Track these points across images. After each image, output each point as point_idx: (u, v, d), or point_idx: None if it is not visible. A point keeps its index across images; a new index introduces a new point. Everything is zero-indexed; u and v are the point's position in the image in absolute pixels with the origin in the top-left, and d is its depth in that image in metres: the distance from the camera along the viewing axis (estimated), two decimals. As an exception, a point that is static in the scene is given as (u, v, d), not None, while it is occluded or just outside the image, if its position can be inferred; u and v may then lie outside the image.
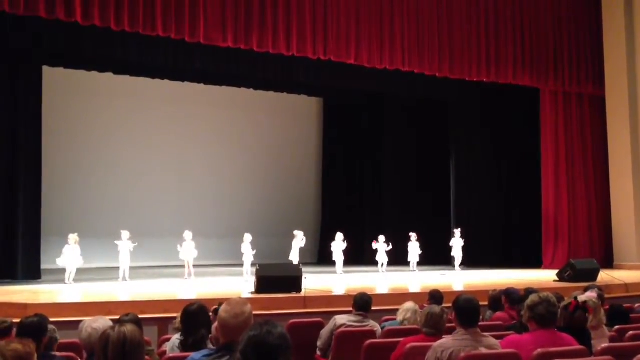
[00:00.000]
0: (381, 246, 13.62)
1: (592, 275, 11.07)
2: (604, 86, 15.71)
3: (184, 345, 4.25)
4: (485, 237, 15.74)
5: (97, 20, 10.65)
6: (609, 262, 14.87)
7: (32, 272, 11.23)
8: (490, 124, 16.30)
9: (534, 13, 15.12)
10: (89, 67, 13.38)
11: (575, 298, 4.68)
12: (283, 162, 17.93)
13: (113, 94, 15.59)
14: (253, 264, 11.12)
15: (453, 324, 4.20)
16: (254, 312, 3.02)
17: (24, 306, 7.36)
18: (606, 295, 7.43)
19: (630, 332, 4.95)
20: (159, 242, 14.46)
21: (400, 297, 8.28)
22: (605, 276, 11.34)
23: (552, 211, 15.38)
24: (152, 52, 12.29)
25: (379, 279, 12.35)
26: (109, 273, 11.80)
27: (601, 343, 4.58)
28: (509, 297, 6.47)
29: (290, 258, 12.35)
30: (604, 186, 15.73)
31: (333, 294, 9.38)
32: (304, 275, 8.87)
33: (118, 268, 11.12)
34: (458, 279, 12.17)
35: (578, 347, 4.07)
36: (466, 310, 4.08)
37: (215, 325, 3.61)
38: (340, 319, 5.77)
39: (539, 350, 3.85)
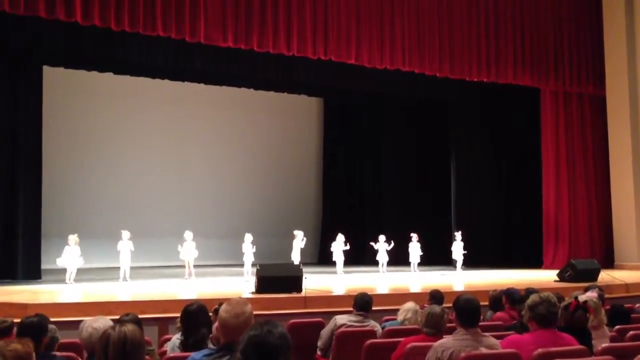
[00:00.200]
0: (382, 245, 13.62)
1: (592, 276, 11.06)
2: (605, 86, 15.71)
3: (185, 345, 4.25)
4: (486, 237, 15.73)
5: (97, 20, 10.65)
6: (609, 262, 14.86)
7: (32, 272, 11.23)
8: (490, 124, 16.30)
9: (534, 13, 15.12)
10: (89, 67, 13.39)
11: (576, 298, 4.68)
12: (283, 162, 17.93)
13: (113, 94, 15.60)
14: (253, 264, 11.13)
15: (453, 324, 4.19)
16: (255, 312, 3.02)
17: (24, 306, 7.36)
18: (607, 296, 7.44)
19: (631, 332, 4.94)
20: (159, 242, 14.47)
21: (401, 297, 8.28)
22: (605, 276, 11.33)
23: (553, 211, 15.38)
24: (152, 52, 12.29)
25: (380, 279, 12.35)
26: (110, 273, 11.80)
27: (602, 343, 4.58)
28: (510, 297, 6.46)
29: (292, 258, 12.36)
30: (604, 186, 15.72)
31: (333, 294, 9.38)
32: (304, 275, 8.87)
33: (118, 268, 11.12)
34: (458, 279, 12.18)
35: (578, 347, 4.07)
36: (466, 310, 4.08)
37: (215, 325, 3.61)
38: (341, 319, 5.76)
39: (540, 350, 3.85)
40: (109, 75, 13.99)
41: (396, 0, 13.42)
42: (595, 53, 15.78)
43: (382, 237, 13.73)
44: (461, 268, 14.01)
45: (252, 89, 15.52)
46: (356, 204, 17.97)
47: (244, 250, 11.86)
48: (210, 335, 4.17)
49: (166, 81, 14.52)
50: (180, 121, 16.55)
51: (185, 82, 14.92)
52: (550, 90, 15.51)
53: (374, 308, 5.97)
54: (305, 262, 12.48)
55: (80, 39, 11.56)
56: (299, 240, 12.57)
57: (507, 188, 16.53)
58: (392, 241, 13.61)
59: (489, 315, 6.66)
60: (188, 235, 11.78)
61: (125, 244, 11.13)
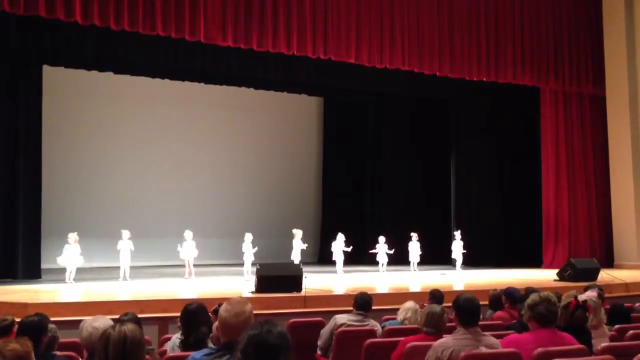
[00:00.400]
0: (381, 247, 13.61)
1: (592, 275, 11.06)
2: (605, 86, 15.71)
3: (185, 345, 4.26)
4: (486, 236, 15.73)
5: (96, 20, 10.65)
6: (609, 262, 14.87)
7: (33, 272, 11.24)
8: (490, 124, 16.29)
9: (534, 12, 15.12)
10: (89, 66, 13.37)
11: (575, 297, 4.68)
12: (283, 161, 17.93)
13: (113, 94, 15.60)
14: (253, 264, 11.13)
15: (453, 323, 4.19)
16: (255, 312, 3.03)
17: (25, 305, 7.37)
18: (606, 295, 7.45)
19: (631, 332, 4.95)
20: (159, 241, 14.47)
21: (401, 296, 8.29)
22: (605, 275, 11.33)
23: (553, 210, 15.38)
24: (152, 52, 12.29)
25: (379, 279, 12.36)
26: (110, 272, 11.81)
27: (601, 342, 4.58)
28: (510, 297, 6.47)
29: (292, 257, 12.37)
30: (604, 185, 15.73)
31: (333, 293, 9.38)
32: (304, 275, 8.87)
33: (118, 267, 11.13)
34: (458, 279, 12.18)
35: (578, 346, 4.07)
36: (466, 309, 4.08)
37: (215, 324, 3.61)
38: (341, 319, 5.77)
39: (540, 349, 3.85)
40: (108, 75, 13.98)
41: (396, 0, 13.43)
42: (595, 52, 15.78)
43: (381, 239, 13.72)
44: (460, 267, 14.02)
45: (252, 89, 15.50)
46: (356, 203, 17.96)
47: (244, 250, 11.85)
48: (210, 335, 4.17)
49: (166, 80, 14.51)
50: (180, 120, 16.55)
51: (185, 82, 14.91)
52: (550, 90, 15.51)
53: (373, 307, 5.97)
54: (305, 262, 12.48)
55: (80, 38, 11.58)
56: (299, 239, 12.57)
57: (507, 187, 16.53)
58: (393, 248, 13.59)
59: (488, 315, 6.67)
60: (188, 234, 11.78)
61: (125, 244, 11.14)
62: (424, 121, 17.18)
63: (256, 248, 11.86)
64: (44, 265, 11.59)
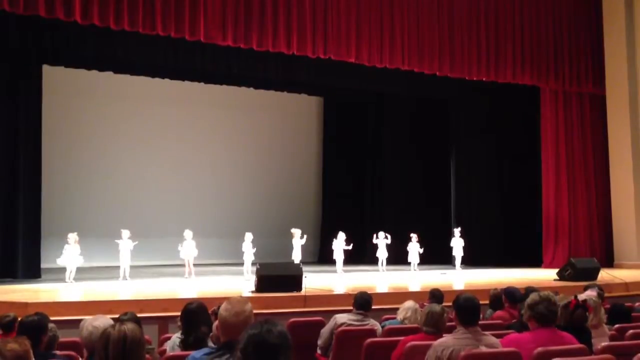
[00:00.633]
0: (381, 241, 13.63)
1: (592, 274, 11.06)
2: (605, 85, 15.71)
3: (185, 344, 4.25)
4: (486, 236, 15.73)
5: (96, 19, 10.65)
6: (609, 261, 14.88)
7: (32, 272, 11.25)
8: (490, 123, 16.29)
9: (534, 11, 15.12)
10: (89, 66, 13.37)
11: (575, 297, 4.68)
12: (283, 160, 17.93)
13: (113, 93, 15.60)
14: (253, 263, 11.14)
15: (453, 323, 4.19)
16: (255, 311, 3.03)
17: (25, 305, 7.37)
18: (606, 294, 7.45)
19: (631, 331, 4.95)
20: (159, 241, 14.47)
21: (401, 296, 8.29)
22: (605, 275, 11.34)
23: (553, 210, 15.38)
24: (151, 51, 12.30)
25: (379, 278, 12.36)
26: (110, 272, 11.81)
27: (601, 342, 4.58)
28: (509, 296, 6.47)
29: (293, 257, 12.37)
30: (604, 185, 15.73)
31: (333, 292, 9.38)
32: (304, 274, 8.87)
33: (118, 267, 11.13)
34: (458, 278, 12.18)
35: (578, 345, 4.07)
36: (466, 308, 4.08)
37: (215, 323, 3.61)
38: (341, 318, 5.77)
39: (539, 348, 3.85)
40: (108, 75, 13.98)
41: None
42: (595, 52, 15.78)
43: (382, 234, 13.75)
44: (461, 267, 14.02)
45: (251, 88, 15.50)
46: (356, 203, 17.96)
47: (244, 249, 11.86)
48: (210, 334, 4.17)
49: (166, 80, 14.51)
50: (180, 120, 16.56)
51: (185, 81, 14.91)
52: (550, 89, 15.51)
53: (373, 307, 5.97)
54: (305, 261, 12.49)
55: (80, 38, 11.58)
56: (298, 239, 12.58)
57: (507, 187, 16.53)
58: (389, 236, 13.62)
59: (488, 314, 6.67)
60: (188, 234, 11.78)
61: (125, 243, 11.14)
62: (424, 121, 17.17)
63: (255, 248, 11.86)
64: (43, 265, 11.60)
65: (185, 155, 16.65)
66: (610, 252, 15.36)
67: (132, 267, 11.35)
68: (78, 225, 12.48)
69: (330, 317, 5.89)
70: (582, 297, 4.78)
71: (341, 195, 18.02)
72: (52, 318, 4.79)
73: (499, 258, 15.23)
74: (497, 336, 4.21)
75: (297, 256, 12.39)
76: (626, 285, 10.78)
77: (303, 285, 8.72)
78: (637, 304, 7.27)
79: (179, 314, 4.51)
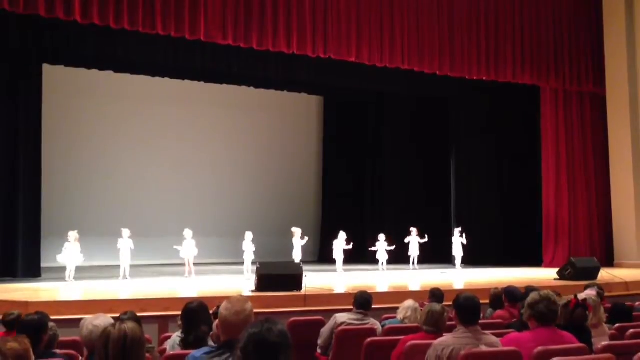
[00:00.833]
0: (381, 245, 13.61)
1: (592, 274, 11.06)
2: (605, 85, 15.71)
3: (185, 343, 4.26)
4: (486, 235, 15.72)
5: (96, 18, 10.65)
6: (609, 261, 14.88)
7: (33, 271, 11.25)
8: (490, 123, 16.28)
9: (534, 11, 15.11)
10: (89, 65, 13.38)
11: (575, 296, 4.69)
12: (283, 160, 17.93)
13: (113, 93, 15.60)
14: (253, 262, 11.15)
15: (453, 322, 4.20)
16: (255, 310, 3.03)
17: (25, 304, 7.37)
18: (606, 294, 7.45)
19: (631, 330, 4.95)
20: (159, 240, 14.47)
21: (401, 295, 8.29)
22: (605, 274, 11.33)
23: (553, 209, 15.38)
24: (151, 50, 12.29)
25: (379, 277, 12.36)
26: (110, 271, 11.81)
27: (602, 341, 4.59)
28: (510, 295, 6.47)
29: (293, 256, 12.38)
30: (604, 184, 15.73)
31: (333, 292, 9.38)
32: (304, 274, 8.87)
33: (119, 266, 11.13)
34: (458, 277, 12.18)
35: (578, 344, 4.07)
36: (467, 308, 4.08)
37: (216, 322, 3.61)
38: (341, 317, 5.77)
39: (540, 348, 3.85)
40: (108, 74, 13.98)
41: (396, -1, 13.44)
42: (595, 52, 15.77)
43: (382, 237, 13.71)
44: (461, 266, 14.02)
45: (251, 87, 15.50)
46: (356, 203, 17.96)
47: (244, 249, 11.86)
48: (211, 333, 4.17)
49: (166, 79, 14.52)
50: (180, 119, 16.56)
51: (185, 81, 14.91)
52: (550, 89, 15.50)
53: (373, 306, 5.97)
54: (305, 261, 12.49)
55: (80, 37, 11.57)
56: (298, 238, 12.58)
57: (507, 186, 16.52)
58: (391, 242, 13.60)
59: (489, 313, 6.67)
60: (188, 233, 11.78)
61: (126, 242, 11.14)
62: (424, 120, 17.17)
63: (254, 248, 11.86)
64: (43, 264, 11.61)
65: (185, 154, 16.65)
66: (611, 251, 15.36)
67: (132, 266, 11.35)
68: (78, 224, 12.46)
69: (331, 316, 5.89)
70: (582, 296, 4.78)
71: (341, 194, 18.02)
72: (52, 317, 4.80)
73: (499, 257, 15.23)
74: (498, 335, 4.21)
75: (297, 255, 12.39)
76: (626, 285, 10.78)
77: (303, 285, 8.71)
78: (637, 303, 7.27)
79: (179, 313, 4.51)
